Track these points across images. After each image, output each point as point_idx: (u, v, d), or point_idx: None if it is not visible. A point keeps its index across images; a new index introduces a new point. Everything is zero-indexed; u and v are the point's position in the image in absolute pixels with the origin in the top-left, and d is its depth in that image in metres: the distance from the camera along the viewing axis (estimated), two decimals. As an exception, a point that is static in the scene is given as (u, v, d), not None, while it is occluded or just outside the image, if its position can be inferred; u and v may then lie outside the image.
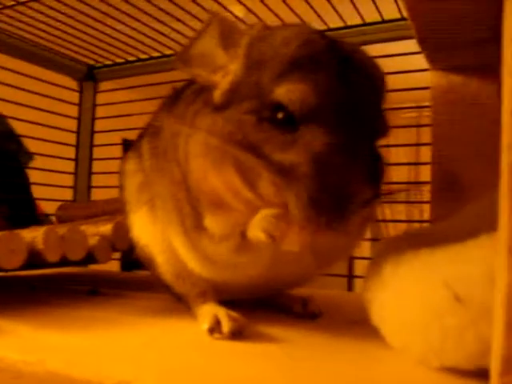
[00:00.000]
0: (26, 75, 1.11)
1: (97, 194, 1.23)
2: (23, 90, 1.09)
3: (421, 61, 0.72)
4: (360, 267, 0.58)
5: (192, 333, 0.50)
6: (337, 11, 0.95)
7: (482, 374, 0.30)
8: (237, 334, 0.47)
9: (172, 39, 1.07)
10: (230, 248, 0.48)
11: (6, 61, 1.10)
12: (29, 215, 1.25)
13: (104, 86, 1.28)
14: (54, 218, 1.14)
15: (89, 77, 1.26)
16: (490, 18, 0.51)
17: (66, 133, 1.22)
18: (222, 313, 0.49)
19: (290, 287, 0.61)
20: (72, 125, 1.24)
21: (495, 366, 0.25)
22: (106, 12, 1.00)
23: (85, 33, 1.06)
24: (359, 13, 0.95)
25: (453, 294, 0.34)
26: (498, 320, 0.25)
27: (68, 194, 1.22)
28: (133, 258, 0.67)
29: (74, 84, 1.25)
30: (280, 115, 0.41)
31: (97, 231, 0.77)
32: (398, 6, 0.88)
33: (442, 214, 0.65)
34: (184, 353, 0.44)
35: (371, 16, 0.95)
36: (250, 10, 0.97)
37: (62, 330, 0.50)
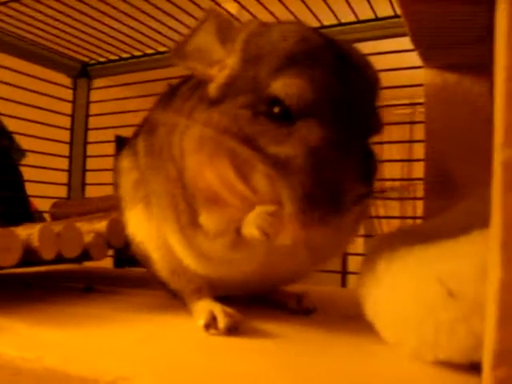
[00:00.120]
0: (20, 72, 1.11)
1: (91, 191, 1.23)
2: (16, 86, 1.09)
3: (414, 58, 0.72)
4: (354, 263, 0.58)
5: (188, 329, 0.50)
6: (331, 8, 0.95)
7: (475, 367, 0.30)
8: (232, 330, 0.47)
9: (166, 36, 1.07)
10: (224, 244, 0.48)
11: (-1, 58, 1.09)
12: (22, 212, 1.24)
13: (98, 83, 1.27)
14: (47, 216, 1.14)
15: (82, 74, 1.25)
16: (483, 17, 0.51)
17: (60, 130, 1.22)
18: (218, 309, 0.49)
19: (284, 283, 0.61)
20: (66, 122, 1.24)
21: (487, 360, 0.25)
22: (99, 9, 1.00)
23: (78, 30, 1.06)
24: (353, 10, 0.95)
25: (446, 289, 0.34)
26: (490, 315, 0.25)
27: (62, 192, 1.22)
28: (126, 255, 0.67)
29: (67, 81, 1.25)
30: (276, 109, 0.41)
31: (92, 228, 0.76)
32: (391, 3, 0.88)
33: (435, 211, 0.65)
34: (180, 349, 0.44)
35: (365, 13, 0.95)
36: (243, 7, 0.97)
37: (58, 327, 0.50)
